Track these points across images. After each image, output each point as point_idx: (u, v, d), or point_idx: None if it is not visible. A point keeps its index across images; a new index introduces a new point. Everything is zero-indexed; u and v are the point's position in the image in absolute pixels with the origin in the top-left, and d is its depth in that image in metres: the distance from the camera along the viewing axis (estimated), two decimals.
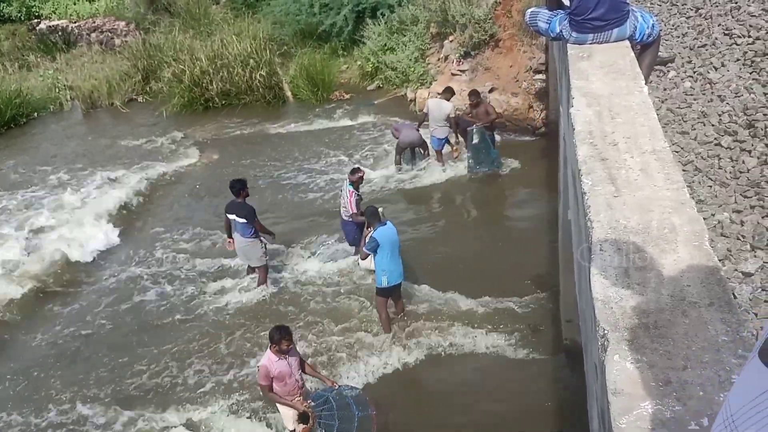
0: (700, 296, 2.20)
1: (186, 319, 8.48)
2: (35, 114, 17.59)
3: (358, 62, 16.02)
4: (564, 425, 6.20)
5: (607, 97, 3.62)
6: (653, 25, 4.53)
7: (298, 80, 15.91)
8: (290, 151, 13.18)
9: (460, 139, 11.45)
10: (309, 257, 9.45)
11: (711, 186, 4.26)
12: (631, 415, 1.84)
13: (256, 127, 14.77)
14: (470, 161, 10.99)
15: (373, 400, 6.25)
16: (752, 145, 4.40)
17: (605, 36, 4.43)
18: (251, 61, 15.94)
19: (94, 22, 22.28)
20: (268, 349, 5.74)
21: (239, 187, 8.22)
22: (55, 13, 23.40)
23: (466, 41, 13.30)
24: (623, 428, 1.82)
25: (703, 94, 5.30)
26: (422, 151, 11.46)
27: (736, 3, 6.27)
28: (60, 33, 22.47)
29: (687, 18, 6.68)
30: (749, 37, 5.67)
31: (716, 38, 5.94)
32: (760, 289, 3.27)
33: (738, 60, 5.45)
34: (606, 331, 2.13)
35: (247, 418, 6.83)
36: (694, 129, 4.90)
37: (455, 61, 13.49)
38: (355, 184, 8.64)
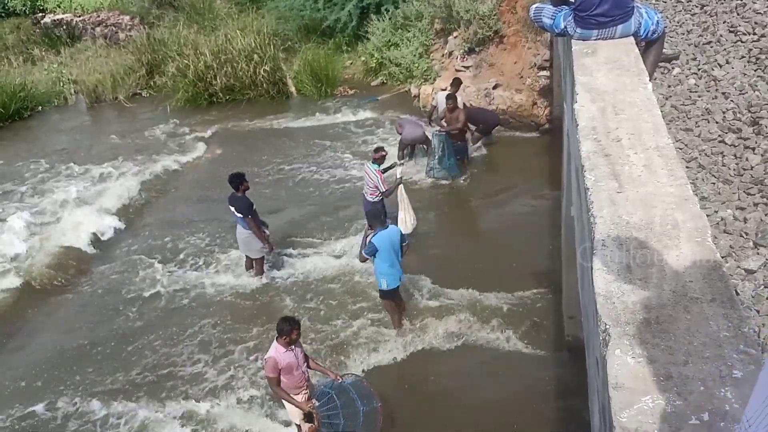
0: (702, 292, 2.20)
1: (187, 311, 8.52)
2: (39, 108, 17.62)
3: (362, 58, 16.01)
4: (565, 421, 6.22)
5: (611, 93, 3.62)
6: (658, 22, 4.53)
7: (302, 75, 15.90)
8: (293, 146, 13.18)
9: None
10: (311, 251, 9.47)
11: (714, 183, 4.25)
12: (632, 410, 1.85)
13: (259, 122, 14.77)
14: (429, 163, 10.95)
15: (378, 392, 6.29)
16: (756, 143, 4.39)
17: (610, 32, 4.42)
18: (255, 56, 15.93)
19: (99, 16, 22.30)
20: (275, 341, 5.76)
21: (238, 181, 8.26)
22: (59, 6, 23.42)
23: (471, 37, 13.27)
24: (624, 422, 1.82)
25: (708, 91, 5.29)
26: (425, 148, 11.45)
27: (742, 0, 6.25)
28: (65, 27, 22.49)
29: (692, 15, 6.66)
30: (754, 34, 5.65)
31: (721, 35, 5.92)
32: (762, 286, 3.26)
33: (743, 57, 5.44)
34: (608, 326, 2.13)
35: (251, 410, 6.87)
36: (698, 126, 4.88)
37: (459, 57, 13.47)
38: (379, 161, 8.88)
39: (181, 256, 9.80)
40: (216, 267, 9.42)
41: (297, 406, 5.93)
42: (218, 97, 16.11)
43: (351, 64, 16.54)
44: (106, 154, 13.96)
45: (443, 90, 11.69)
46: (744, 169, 4.23)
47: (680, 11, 6.90)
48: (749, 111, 4.67)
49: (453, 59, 13.71)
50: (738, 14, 6.10)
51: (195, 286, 9.02)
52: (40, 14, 23.48)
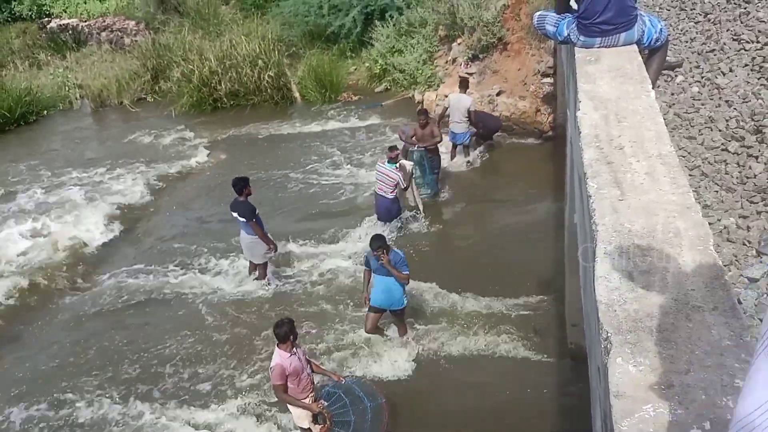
0: (704, 300, 2.20)
1: (190, 315, 8.52)
2: (45, 112, 17.70)
3: (366, 64, 16.03)
4: (566, 428, 6.20)
5: (614, 100, 3.62)
6: (661, 30, 4.53)
7: (306, 81, 15.93)
8: (297, 152, 13.21)
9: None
10: (314, 255, 9.47)
11: (717, 191, 4.26)
12: (633, 418, 1.85)
13: (264, 128, 14.81)
14: (418, 181, 10.60)
15: (381, 390, 6.30)
16: (759, 151, 4.39)
17: (613, 40, 4.43)
18: (260, 61, 15.97)
19: (104, 21, 22.39)
20: (277, 349, 5.74)
21: (242, 185, 8.27)
22: (65, 11, 23.51)
23: (475, 44, 13.30)
24: (625, 431, 1.82)
25: (711, 99, 5.29)
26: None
27: (745, 8, 6.25)
28: (70, 32, 22.59)
29: (696, 23, 6.67)
30: (758, 42, 5.66)
31: (724, 43, 5.93)
32: (765, 295, 3.26)
33: (746, 65, 5.44)
34: (609, 334, 2.13)
35: (254, 416, 6.86)
36: (701, 134, 4.89)
37: (463, 63, 13.49)
38: (394, 160, 9.27)
39: (185, 259, 9.81)
40: (219, 271, 9.43)
41: (307, 409, 5.91)
42: (223, 102, 16.15)
43: (355, 70, 16.57)
44: (110, 159, 14.01)
45: (456, 92, 11.52)
46: (747, 178, 4.23)
47: (684, 19, 6.91)
48: (752, 119, 4.68)
49: (457, 66, 13.72)
50: (741, 22, 6.11)
51: (198, 290, 9.03)
52: (46, 19, 23.58)
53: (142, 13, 21.68)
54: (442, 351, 7.40)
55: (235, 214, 8.37)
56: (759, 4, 6.15)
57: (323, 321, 8.08)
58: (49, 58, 21.18)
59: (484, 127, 11.61)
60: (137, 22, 21.68)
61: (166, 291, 9.13)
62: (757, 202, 3.99)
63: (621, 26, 4.38)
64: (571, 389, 6.52)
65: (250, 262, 8.96)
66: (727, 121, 4.85)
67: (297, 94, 16.14)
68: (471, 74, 13.30)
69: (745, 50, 5.65)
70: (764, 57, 5.41)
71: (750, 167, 4.29)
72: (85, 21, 22.76)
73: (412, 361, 7.28)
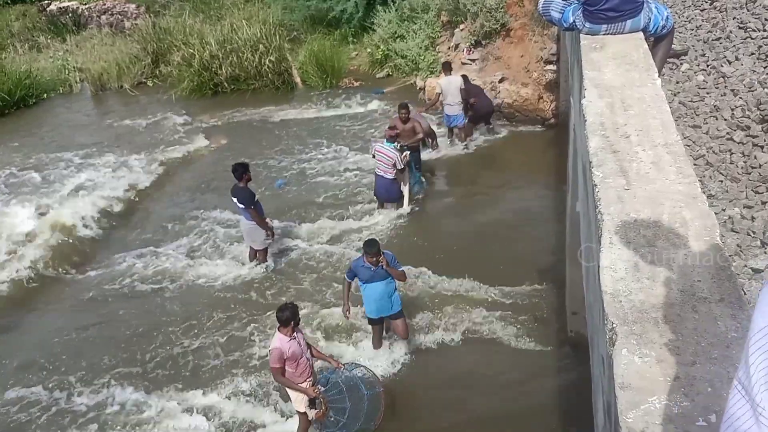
0: (711, 291, 2.18)
1: (191, 301, 8.52)
2: (44, 95, 17.65)
3: (368, 49, 15.94)
4: (566, 416, 6.21)
5: (620, 88, 3.58)
6: (667, 18, 4.48)
7: (307, 66, 15.86)
8: (298, 137, 13.16)
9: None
10: (315, 240, 9.46)
11: (722, 181, 4.23)
12: (639, 410, 1.83)
13: (264, 113, 14.75)
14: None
15: (379, 379, 6.31)
16: (765, 141, 4.36)
17: (619, 27, 4.38)
18: (261, 46, 15.89)
19: (105, 5, 22.27)
20: (277, 332, 5.76)
21: (242, 171, 8.24)
22: None
23: (477, 30, 13.21)
24: (630, 422, 1.81)
25: (716, 87, 5.25)
26: (430, 141, 11.39)
27: None
28: (70, 15, 22.47)
29: (701, 10, 6.61)
30: (764, 30, 5.60)
31: (731, 31, 5.87)
32: None
33: (752, 54, 5.39)
34: (614, 325, 2.11)
35: (253, 400, 6.87)
36: (707, 123, 4.85)
37: (465, 50, 13.41)
38: (393, 139, 9.26)
39: (186, 245, 9.80)
40: (219, 257, 9.42)
41: (303, 392, 5.93)
42: (223, 86, 16.09)
43: (357, 55, 16.49)
44: (110, 143, 13.97)
45: (447, 75, 11.40)
46: (752, 167, 4.20)
47: (690, 6, 6.85)
48: (758, 108, 4.64)
49: (459, 52, 13.64)
50: (748, 10, 6.05)
51: (198, 275, 9.02)
52: (46, 2, 23.44)
53: None
54: (439, 337, 7.40)
55: (234, 200, 8.36)
56: None
57: (324, 306, 8.08)
58: (48, 41, 21.07)
59: (477, 101, 11.43)
60: (137, 6, 21.57)
61: (165, 276, 9.12)
62: (762, 192, 3.96)
63: (627, 13, 4.33)
64: (570, 377, 6.53)
65: (251, 247, 8.94)
66: (732, 110, 4.81)
67: (298, 79, 16.06)
68: (474, 60, 13.23)
69: (752, 38, 5.59)
70: None
71: (755, 157, 4.25)
72: (85, 4, 22.65)
73: (411, 345, 7.27)
